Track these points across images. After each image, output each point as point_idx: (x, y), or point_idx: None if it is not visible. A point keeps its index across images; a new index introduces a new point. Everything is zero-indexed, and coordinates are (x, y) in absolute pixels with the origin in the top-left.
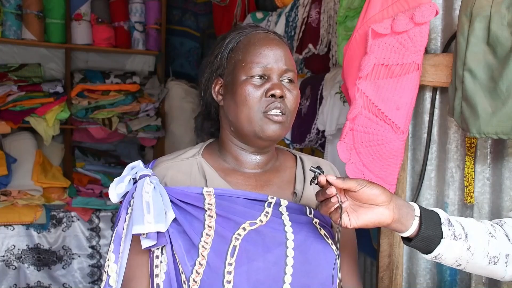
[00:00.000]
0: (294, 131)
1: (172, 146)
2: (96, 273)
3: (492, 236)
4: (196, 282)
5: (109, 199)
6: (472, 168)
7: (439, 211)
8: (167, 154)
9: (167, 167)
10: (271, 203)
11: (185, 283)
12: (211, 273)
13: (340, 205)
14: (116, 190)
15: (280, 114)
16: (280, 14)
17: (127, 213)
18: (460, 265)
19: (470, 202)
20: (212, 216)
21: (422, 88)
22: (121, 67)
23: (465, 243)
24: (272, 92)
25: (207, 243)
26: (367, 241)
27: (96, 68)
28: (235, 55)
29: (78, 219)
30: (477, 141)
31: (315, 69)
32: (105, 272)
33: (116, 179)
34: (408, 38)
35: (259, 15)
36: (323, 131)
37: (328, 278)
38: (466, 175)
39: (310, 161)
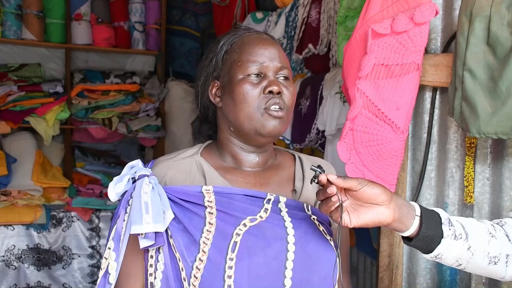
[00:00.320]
0: (294, 131)
1: (172, 146)
2: (96, 273)
3: (492, 236)
4: (197, 278)
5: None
6: (472, 168)
7: (439, 210)
8: (166, 154)
9: (167, 166)
10: (270, 200)
11: (185, 280)
12: (212, 268)
13: (341, 204)
14: (115, 189)
15: (279, 109)
16: (280, 14)
17: (126, 212)
18: (461, 265)
19: (470, 202)
20: (212, 213)
21: (422, 88)
22: (121, 67)
23: (466, 243)
24: (270, 88)
25: (208, 239)
26: (367, 241)
27: (96, 68)
28: (230, 56)
29: (78, 219)
30: (477, 141)
31: (315, 69)
32: (102, 269)
33: (115, 178)
34: (408, 38)
35: (259, 15)
36: (323, 131)
37: (327, 273)
38: (466, 175)
39: (308, 160)
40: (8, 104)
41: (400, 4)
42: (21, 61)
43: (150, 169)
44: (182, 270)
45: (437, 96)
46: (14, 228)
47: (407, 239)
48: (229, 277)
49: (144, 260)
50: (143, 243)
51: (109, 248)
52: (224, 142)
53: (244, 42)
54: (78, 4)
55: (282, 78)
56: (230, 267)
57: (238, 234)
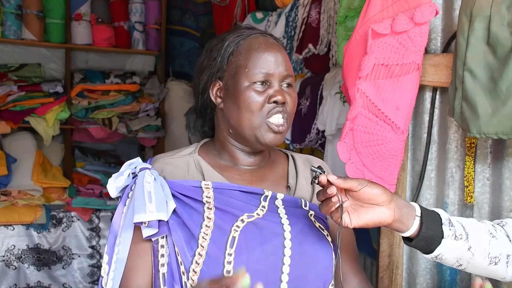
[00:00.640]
0: (294, 131)
1: (172, 146)
2: (96, 273)
3: (493, 237)
4: (195, 272)
5: (109, 199)
6: (472, 168)
7: (440, 211)
8: (164, 152)
9: (165, 162)
10: (267, 196)
11: (184, 274)
12: (210, 263)
13: (341, 204)
14: (115, 183)
15: (281, 123)
16: (280, 14)
17: (124, 205)
18: (461, 265)
19: (470, 202)
20: (211, 209)
21: (422, 88)
22: (121, 67)
23: (466, 243)
24: (274, 98)
25: (207, 234)
26: (367, 241)
27: (96, 68)
28: (236, 59)
29: (78, 219)
30: (477, 141)
31: (315, 69)
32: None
33: (114, 174)
34: (408, 38)
35: (259, 15)
36: (323, 131)
37: (324, 269)
38: (466, 175)
39: (300, 158)
40: (8, 104)
41: (400, 4)
42: (21, 61)
43: (149, 164)
44: (181, 264)
45: (437, 96)
46: (14, 228)
47: (407, 240)
48: (228, 272)
49: (151, 252)
50: (146, 232)
51: (105, 251)
52: (222, 141)
53: (251, 46)
54: (78, 4)
55: (285, 85)
56: (229, 262)
57: (236, 230)
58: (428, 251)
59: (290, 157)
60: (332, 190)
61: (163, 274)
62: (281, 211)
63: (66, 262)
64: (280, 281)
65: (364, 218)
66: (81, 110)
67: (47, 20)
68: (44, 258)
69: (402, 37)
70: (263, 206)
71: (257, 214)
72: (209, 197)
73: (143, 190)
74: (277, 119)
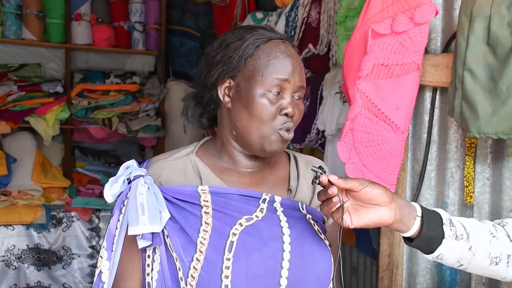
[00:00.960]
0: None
1: (172, 146)
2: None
3: (493, 237)
4: (194, 277)
5: None
6: (472, 168)
7: (440, 211)
8: (161, 154)
9: (161, 166)
10: (265, 199)
11: (182, 280)
12: (209, 268)
13: (342, 205)
14: (111, 191)
15: (290, 136)
16: (280, 14)
17: (120, 212)
18: (462, 265)
19: (470, 202)
20: (208, 213)
21: (422, 88)
22: (121, 67)
23: (467, 244)
24: (286, 111)
25: (205, 239)
26: (367, 241)
27: (96, 68)
28: (254, 63)
29: (78, 219)
30: (477, 141)
31: (315, 69)
32: (98, 267)
33: (110, 180)
34: (408, 38)
35: (259, 15)
36: (323, 131)
37: (323, 272)
38: (466, 175)
39: (302, 159)
40: (8, 104)
41: (400, 4)
42: (21, 61)
43: (145, 169)
44: (180, 270)
45: (437, 96)
46: (14, 228)
47: (408, 240)
48: (226, 277)
49: (141, 260)
50: (141, 244)
51: (103, 247)
52: (224, 141)
53: (271, 53)
54: (78, 4)
55: (296, 97)
56: (227, 267)
57: (234, 234)
58: (429, 251)
59: (292, 158)
60: (333, 190)
61: (148, 283)
62: (280, 213)
63: (66, 262)
64: (279, 285)
65: (365, 219)
66: (81, 110)
67: (47, 20)
68: (44, 258)
69: (402, 37)
70: (262, 208)
71: (256, 216)
72: (207, 201)
73: (136, 202)
74: (286, 132)
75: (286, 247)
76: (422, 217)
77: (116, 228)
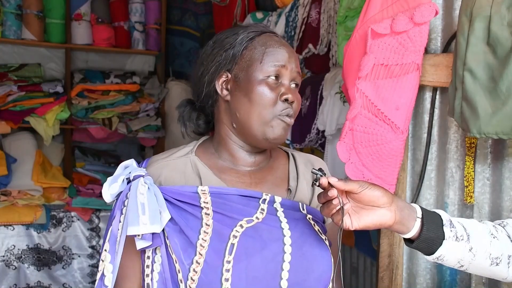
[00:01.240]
0: (294, 131)
1: (172, 146)
2: (96, 273)
3: (494, 237)
4: (194, 280)
5: None
6: (472, 168)
7: (440, 212)
8: (160, 153)
9: (161, 166)
10: (265, 200)
11: (181, 282)
12: (209, 271)
13: (342, 207)
14: (109, 190)
15: (289, 119)
16: (280, 14)
17: (121, 213)
18: (462, 266)
19: (470, 202)
20: (209, 214)
21: (422, 88)
22: (121, 67)
23: (467, 244)
24: (286, 97)
25: (205, 241)
26: (367, 241)
27: (96, 68)
28: (251, 52)
29: (78, 219)
30: (477, 141)
31: (315, 69)
32: (99, 271)
33: (109, 179)
34: (408, 38)
35: (259, 15)
36: (323, 131)
37: (323, 273)
38: (466, 175)
39: (301, 157)
40: (8, 104)
41: (400, 4)
42: (21, 61)
43: (144, 169)
44: (179, 272)
45: (437, 96)
46: (14, 228)
47: (408, 241)
48: (227, 279)
49: (141, 261)
50: (140, 244)
51: (105, 250)
52: (223, 137)
53: (266, 42)
54: (78, 4)
55: (294, 85)
56: (228, 270)
57: (235, 236)
58: (429, 252)
59: (291, 157)
60: (333, 193)
61: (148, 284)
62: (281, 214)
63: (66, 262)
64: (280, 286)
65: (365, 220)
66: (81, 110)
67: (47, 20)
68: (44, 258)
69: (402, 37)
70: (262, 209)
71: (257, 218)
72: (207, 202)
73: (137, 202)
74: (287, 117)
75: (287, 249)
76: (422, 218)
77: (118, 229)
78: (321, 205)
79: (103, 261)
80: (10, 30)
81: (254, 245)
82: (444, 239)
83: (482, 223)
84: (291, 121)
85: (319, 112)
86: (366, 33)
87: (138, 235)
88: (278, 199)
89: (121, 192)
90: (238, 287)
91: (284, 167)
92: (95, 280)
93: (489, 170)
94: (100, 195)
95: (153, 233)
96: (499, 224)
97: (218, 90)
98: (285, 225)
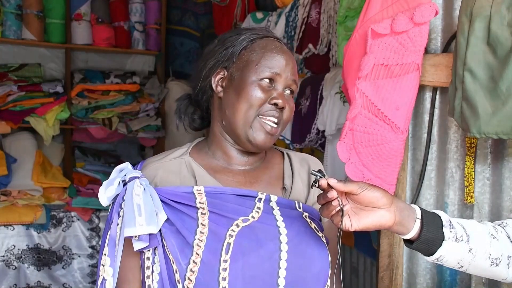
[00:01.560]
0: (294, 131)
1: (172, 146)
2: (96, 273)
3: (494, 238)
4: (191, 280)
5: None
6: (472, 168)
7: (440, 213)
8: (155, 155)
9: (156, 167)
10: (261, 198)
11: (179, 282)
12: (206, 271)
13: (341, 208)
14: (106, 193)
15: (275, 125)
16: (280, 14)
17: (119, 216)
18: (462, 267)
19: (470, 202)
20: (204, 214)
21: (422, 88)
22: (121, 67)
23: (467, 245)
24: (275, 101)
25: (202, 241)
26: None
27: (96, 68)
28: (249, 54)
29: (78, 219)
30: (477, 141)
31: (315, 69)
32: (100, 276)
33: (105, 183)
34: (408, 38)
35: (259, 15)
36: (323, 131)
37: (321, 270)
38: (466, 175)
39: (296, 157)
40: (8, 104)
41: (400, 4)
42: (21, 61)
43: (139, 171)
44: (176, 273)
45: (437, 96)
46: (14, 228)
47: (408, 242)
48: (224, 279)
49: (140, 263)
50: (137, 245)
51: (104, 254)
52: (216, 134)
53: (266, 46)
54: (78, 4)
55: (288, 92)
56: (224, 269)
57: (231, 235)
58: (429, 253)
59: (286, 156)
60: (332, 194)
61: (149, 286)
62: (277, 212)
63: (66, 262)
64: (277, 285)
65: (364, 221)
66: (81, 110)
67: (47, 20)
68: (44, 258)
69: (402, 37)
70: (258, 208)
71: (252, 217)
72: (202, 203)
73: (133, 203)
74: (271, 121)
75: (283, 247)
76: (422, 219)
77: (117, 232)
78: (320, 207)
79: (103, 265)
80: (10, 30)
81: (251, 244)
82: (443, 240)
83: (481, 224)
84: (275, 128)
85: (319, 112)
86: (366, 33)
87: (135, 236)
88: (273, 197)
89: (118, 195)
90: (235, 286)
91: (279, 166)
92: (95, 280)
93: (489, 170)
94: None
95: (149, 234)
96: (498, 225)
97: (213, 86)
98: (281, 223)
